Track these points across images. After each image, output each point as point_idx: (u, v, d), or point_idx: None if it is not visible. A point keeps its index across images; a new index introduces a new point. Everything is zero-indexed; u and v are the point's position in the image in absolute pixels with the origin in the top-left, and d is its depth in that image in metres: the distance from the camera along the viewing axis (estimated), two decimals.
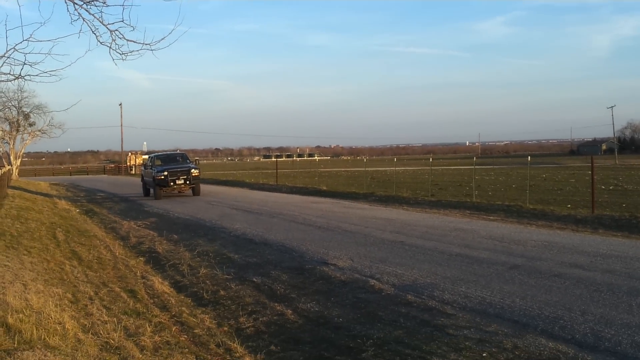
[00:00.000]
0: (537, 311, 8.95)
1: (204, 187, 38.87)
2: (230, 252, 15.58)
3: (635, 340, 7.49)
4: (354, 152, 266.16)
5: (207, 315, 10.44)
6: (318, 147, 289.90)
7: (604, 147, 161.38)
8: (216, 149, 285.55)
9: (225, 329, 9.64)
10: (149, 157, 40.23)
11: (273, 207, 26.42)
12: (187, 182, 34.97)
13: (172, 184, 34.56)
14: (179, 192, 36.02)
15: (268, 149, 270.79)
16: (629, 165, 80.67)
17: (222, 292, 11.80)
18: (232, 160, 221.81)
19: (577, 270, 11.59)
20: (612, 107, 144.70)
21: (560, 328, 8.14)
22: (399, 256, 13.80)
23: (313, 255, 14.39)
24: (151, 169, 36.18)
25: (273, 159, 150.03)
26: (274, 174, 50.46)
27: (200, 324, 9.92)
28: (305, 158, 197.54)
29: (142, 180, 39.37)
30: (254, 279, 12.53)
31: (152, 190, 36.10)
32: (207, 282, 12.74)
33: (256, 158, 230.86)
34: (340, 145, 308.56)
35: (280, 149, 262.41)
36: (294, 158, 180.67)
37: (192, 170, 35.26)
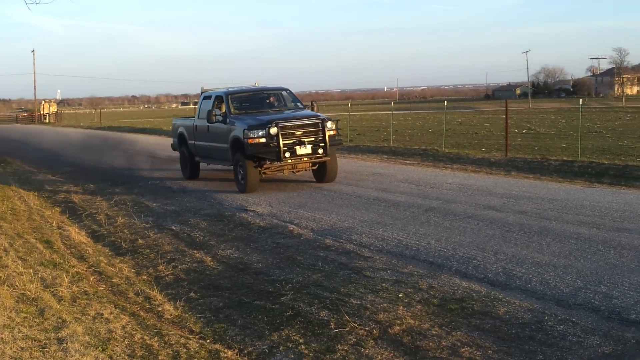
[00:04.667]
0: (452, 252, 9.20)
1: (123, 137, 37.29)
2: (148, 201, 15.42)
3: (544, 277, 7.77)
4: None
5: (125, 265, 10.36)
6: None
7: (518, 91, 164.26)
8: (133, 96, 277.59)
9: (144, 277, 9.60)
10: (209, 97, 18.38)
11: None
12: (321, 149, 15.38)
13: (287, 155, 15.00)
14: (297, 171, 16.09)
15: (186, 95, 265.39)
16: (542, 109, 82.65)
17: (140, 241, 11.70)
18: (149, 107, 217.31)
19: (490, 211, 11.92)
20: (526, 52, 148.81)
21: (473, 268, 8.40)
22: (317, 201, 13.92)
23: (232, 202, 14.37)
24: (223, 122, 16.48)
25: (191, 106, 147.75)
26: None
27: (119, 273, 9.85)
28: None
29: (181, 145, 19.57)
30: (173, 227, 12.47)
31: (217, 165, 18.31)
32: (125, 231, 12.60)
33: (174, 105, 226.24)
34: None
35: (198, 96, 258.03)
36: None
37: (328, 124, 15.73)
